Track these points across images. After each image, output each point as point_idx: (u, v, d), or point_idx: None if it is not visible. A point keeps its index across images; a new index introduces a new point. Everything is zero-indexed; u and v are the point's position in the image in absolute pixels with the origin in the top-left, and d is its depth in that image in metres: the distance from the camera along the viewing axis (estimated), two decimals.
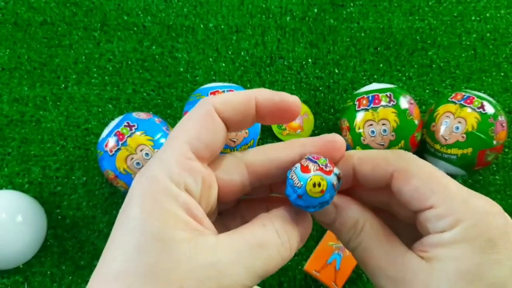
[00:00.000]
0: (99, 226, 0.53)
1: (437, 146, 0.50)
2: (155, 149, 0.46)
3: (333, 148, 0.21)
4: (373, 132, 0.48)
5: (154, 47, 0.60)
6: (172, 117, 0.57)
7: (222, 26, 0.61)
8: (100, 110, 0.57)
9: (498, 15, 0.62)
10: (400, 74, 0.59)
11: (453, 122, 0.48)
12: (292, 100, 0.21)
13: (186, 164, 0.18)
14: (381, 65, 0.60)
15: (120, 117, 0.49)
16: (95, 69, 0.58)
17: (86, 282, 0.17)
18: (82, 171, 0.54)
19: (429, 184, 0.19)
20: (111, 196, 0.54)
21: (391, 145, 0.48)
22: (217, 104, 0.20)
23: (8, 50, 0.58)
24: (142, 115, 0.49)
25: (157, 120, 0.49)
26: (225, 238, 0.18)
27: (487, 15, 0.62)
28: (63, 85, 0.57)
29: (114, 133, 0.47)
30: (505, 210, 0.19)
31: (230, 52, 0.60)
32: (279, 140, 0.56)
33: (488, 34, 0.61)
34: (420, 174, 0.19)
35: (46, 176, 0.54)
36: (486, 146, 0.47)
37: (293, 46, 0.60)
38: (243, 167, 0.21)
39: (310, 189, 0.19)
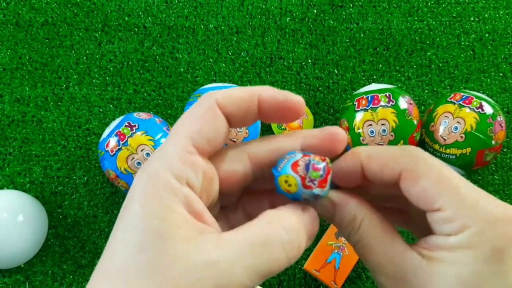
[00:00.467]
0: (100, 226, 0.53)
1: (436, 146, 0.50)
2: (156, 149, 0.46)
3: (334, 141, 0.21)
4: (372, 132, 0.48)
5: (154, 48, 0.60)
6: (172, 117, 0.57)
7: (223, 27, 0.61)
8: (101, 110, 0.57)
9: (497, 15, 0.62)
10: (399, 75, 0.60)
11: (452, 122, 0.49)
12: (296, 100, 0.20)
13: (187, 159, 0.18)
14: (380, 65, 0.60)
15: (121, 117, 0.49)
16: (96, 70, 0.59)
17: (87, 281, 0.17)
18: (83, 171, 0.55)
19: (438, 186, 0.18)
20: (112, 195, 0.54)
21: (390, 145, 0.48)
22: (220, 99, 0.19)
23: (9, 51, 0.59)
24: (143, 115, 0.49)
25: (157, 120, 0.50)
26: (226, 236, 0.17)
27: (486, 15, 0.62)
28: (64, 86, 0.58)
29: (115, 133, 0.47)
30: None
31: (230, 53, 0.60)
32: None
33: (486, 35, 0.61)
34: (429, 174, 0.19)
35: (47, 176, 0.54)
36: (484, 146, 0.48)
37: (293, 46, 0.61)
38: (246, 157, 0.21)
39: (282, 184, 0.19)
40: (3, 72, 0.58)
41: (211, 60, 0.60)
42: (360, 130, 0.49)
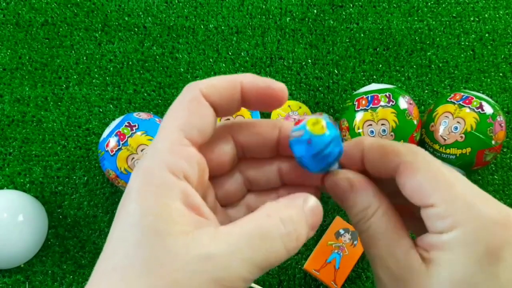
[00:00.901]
0: (100, 226, 0.53)
1: (436, 146, 0.50)
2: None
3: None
4: (372, 132, 0.48)
5: (154, 48, 0.60)
6: None
7: (223, 27, 0.61)
8: (101, 110, 0.57)
9: (497, 15, 0.62)
10: (399, 75, 0.60)
11: (452, 122, 0.49)
12: (279, 86, 0.20)
13: (181, 151, 0.18)
14: (380, 65, 0.60)
15: (121, 117, 0.49)
16: (96, 70, 0.59)
17: (87, 281, 0.17)
18: (83, 171, 0.55)
19: (433, 182, 0.18)
20: (112, 195, 0.54)
21: None
22: (203, 88, 0.19)
23: (9, 51, 0.59)
24: (143, 115, 0.49)
25: (157, 120, 0.50)
26: (224, 229, 0.17)
27: (486, 15, 0.62)
28: (64, 86, 0.58)
29: (115, 133, 0.47)
30: None
31: (230, 53, 0.60)
32: None
33: (486, 35, 0.61)
34: (427, 169, 0.19)
35: (47, 176, 0.54)
36: (484, 146, 0.48)
37: (293, 46, 0.61)
38: (231, 139, 0.21)
39: (311, 128, 0.19)
40: (3, 72, 0.58)
41: (211, 60, 0.60)
42: (360, 130, 0.49)
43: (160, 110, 0.58)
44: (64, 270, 0.51)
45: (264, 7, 0.62)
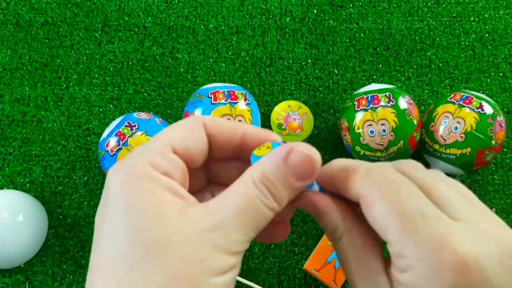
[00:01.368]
0: None
1: (436, 146, 0.50)
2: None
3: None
4: (372, 132, 0.48)
5: (154, 48, 0.60)
6: (172, 117, 0.57)
7: (223, 27, 0.61)
8: (101, 110, 0.57)
9: (497, 15, 0.62)
10: (399, 75, 0.60)
11: (452, 122, 0.49)
12: (277, 137, 0.21)
13: (166, 156, 0.19)
14: (380, 65, 0.60)
15: (121, 117, 0.49)
16: (96, 70, 0.59)
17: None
18: (83, 171, 0.55)
19: (389, 217, 0.17)
20: None
21: (390, 145, 0.48)
22: (207, 120, 0.21)
23: (9, 51, 0.59)
24: (143, 115, 0.49)
25: (157, 120, 0.50)
26: (212, 204, 0.18)
27: (486, 15, 0.62)
28: (64, 86, 0.58)
29: (115, 133, 0.47)
30: (505, 210, 0.18)
31: (230, 53, 0.60)
32: None
33: (487, 35, 0.61)
34: (380, 204, 0.18)
35: (47, 175, 0.54)
36: (484, 146, 0.48)
37: (293, 46, 0.61)
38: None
39: (257, 153, 0.20)
40: (3, 72, 0.58)
41: (211, 60, 0.60)
42: (360, 130, 0.49)
43: (160, 110, 0.58)
44: (64, 270, 0.51)
45: (264, 7, 0.62)
